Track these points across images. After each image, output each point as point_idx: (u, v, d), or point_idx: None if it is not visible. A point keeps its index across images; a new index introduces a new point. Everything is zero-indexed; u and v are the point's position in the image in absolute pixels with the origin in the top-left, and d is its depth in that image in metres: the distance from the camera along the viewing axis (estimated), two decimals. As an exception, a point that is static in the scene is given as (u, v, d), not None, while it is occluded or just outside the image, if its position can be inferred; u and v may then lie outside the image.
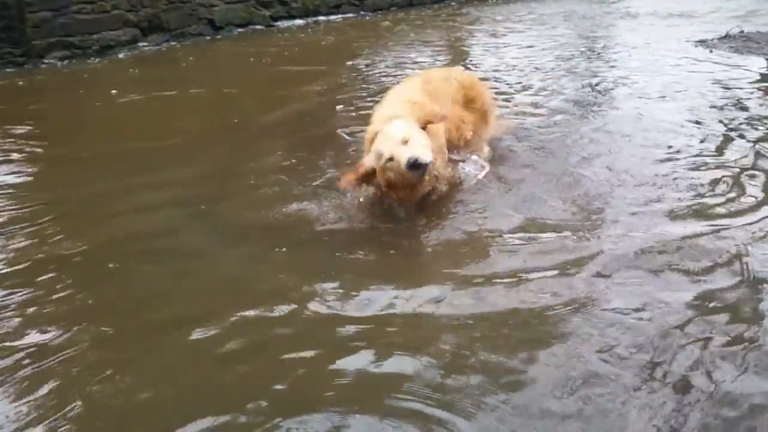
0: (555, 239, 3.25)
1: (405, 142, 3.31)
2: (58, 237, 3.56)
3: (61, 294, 2.97)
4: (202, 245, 3.47)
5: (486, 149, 4.33)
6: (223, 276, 3.15)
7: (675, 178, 3.97)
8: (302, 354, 2.45)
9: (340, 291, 2.89)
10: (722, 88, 6.25)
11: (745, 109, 5.48)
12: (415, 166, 3.20)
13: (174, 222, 3.75)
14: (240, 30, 11.73)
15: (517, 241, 3.27)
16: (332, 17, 13.46)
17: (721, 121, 5.11)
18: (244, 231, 3.61)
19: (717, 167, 4.13)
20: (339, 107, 6.11)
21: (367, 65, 8.13)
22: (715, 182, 3.88)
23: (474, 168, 4.02)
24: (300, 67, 8.40)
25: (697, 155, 4.36)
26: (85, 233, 3.62)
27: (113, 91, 7.19)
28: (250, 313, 2.73)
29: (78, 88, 7.93)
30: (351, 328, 2.60)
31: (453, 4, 15.88)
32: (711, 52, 8.17)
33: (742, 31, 9.39)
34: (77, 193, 4.36)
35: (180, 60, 9.47)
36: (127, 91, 7.24)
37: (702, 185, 3.85)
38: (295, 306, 2.77)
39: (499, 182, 3.97)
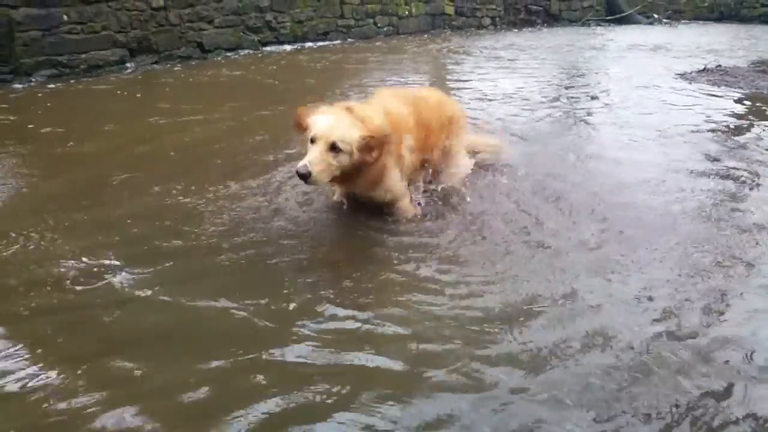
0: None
1: (312, 141, 3.28)
2: None
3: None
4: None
5: (459, 171, 4.32)
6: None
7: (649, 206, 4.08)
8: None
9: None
10: (702, 119, 6.42)
11: (728, 140, 5.63)
12: (300, 176, 3.21)
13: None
14: (229, 54, 11.84)
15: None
16: (320, 43, 13.67)
17: (706, 154, 5.18)
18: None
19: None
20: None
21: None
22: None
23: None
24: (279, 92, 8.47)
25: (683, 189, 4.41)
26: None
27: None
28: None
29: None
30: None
31: (430, 35, 16.23)
32: (690, 83, 8.44)
33: (719, 65, 9.71)
34: None
35: (142, 88, 8.89)
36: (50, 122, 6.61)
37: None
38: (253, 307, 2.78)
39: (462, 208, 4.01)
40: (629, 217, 3.86)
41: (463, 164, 4.37)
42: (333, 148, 3.25)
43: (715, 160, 5.00)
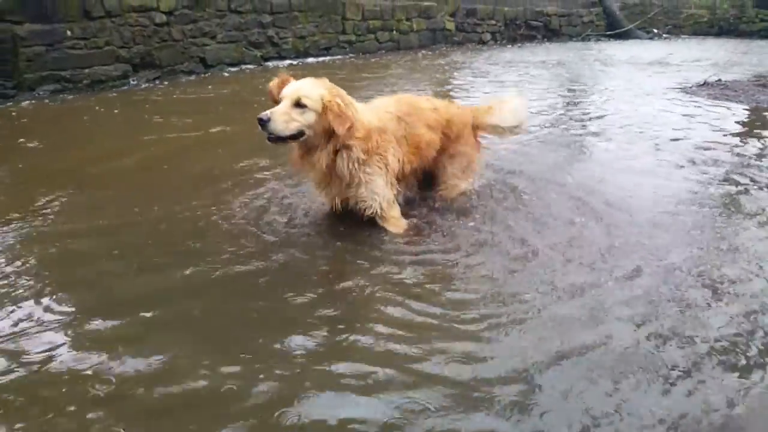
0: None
1: (278, 102, 3.39)
2: None
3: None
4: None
5: (461, 184, 4.20)
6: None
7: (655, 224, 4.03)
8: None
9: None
10: (708, 133, 6.40)
11: (738, 155, 5.57)
12: (260, 121, 3.28)
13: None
14: (231, 69, 11.90)
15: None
16: (321, 58, 13.74)
17: (718, 170, 5.09)
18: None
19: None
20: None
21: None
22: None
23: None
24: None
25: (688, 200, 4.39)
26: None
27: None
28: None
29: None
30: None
31: (431, 50, 16.31)
32: (691, 97, 8.46)
33: (719, 80, 9.73)
34: None
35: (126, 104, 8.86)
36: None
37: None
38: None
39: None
40: (658, 235, 3.64)
41: (465, 174, 4.21)
42: (298, 104, 3.35)
43: (729, 175, 4.92)
